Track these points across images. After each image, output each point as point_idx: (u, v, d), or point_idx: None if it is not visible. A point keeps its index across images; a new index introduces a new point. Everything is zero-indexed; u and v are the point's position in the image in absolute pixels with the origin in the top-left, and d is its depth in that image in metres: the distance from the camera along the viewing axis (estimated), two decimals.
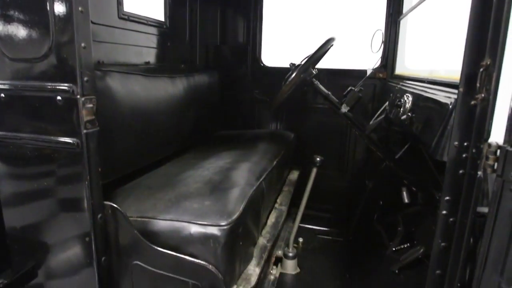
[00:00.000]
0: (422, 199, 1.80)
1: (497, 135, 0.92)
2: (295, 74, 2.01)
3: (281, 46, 3.41)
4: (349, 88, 2.03)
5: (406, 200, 1.90)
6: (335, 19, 3.18)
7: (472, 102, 0.94)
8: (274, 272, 2.16)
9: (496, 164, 0.87)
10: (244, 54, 3.11)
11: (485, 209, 0.94)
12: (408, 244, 1.80)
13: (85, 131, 1.18)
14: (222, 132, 2.94)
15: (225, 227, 1.28)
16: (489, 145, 0.88)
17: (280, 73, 2.39)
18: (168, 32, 2.68)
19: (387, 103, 1.91)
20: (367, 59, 2.62)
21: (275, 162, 2.05)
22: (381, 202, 2.26)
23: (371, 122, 1.97)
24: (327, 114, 2.68)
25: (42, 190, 1.30)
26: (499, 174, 0.85)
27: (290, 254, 2.16)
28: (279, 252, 2.26)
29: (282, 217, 2.02)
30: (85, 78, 1.16)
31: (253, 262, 1.58)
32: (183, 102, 2.37)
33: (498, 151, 0.86)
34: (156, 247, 1.30)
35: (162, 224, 1.35)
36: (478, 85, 0.93)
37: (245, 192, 1.55)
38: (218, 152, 2.19)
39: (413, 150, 1.71)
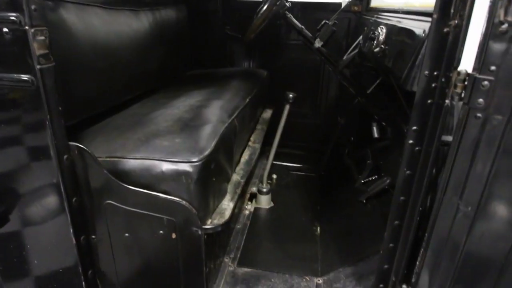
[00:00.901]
0: (391, 134, 1.85)
1: (467, 64, 0.92)
2: (267, 6, 1.91)
3: None
4: (323, 21, 1.95)
5: (376, 135, 1.94)
6: None
7: (445, 30, 0.92)
8: (249, 207, 2.24)
9: (463, 93, 0.88)
10: None
11: (449, 138, 0.97)
12: (376, 176, 1.88)
13: (38, 66, 1.08)
14: (193, 71, 2.83)
15: (197, 163, 1.28)
16: (459, 73, 0.88)
17: (252, 7, 2.25)
18: None
19: (361, 37, 1.87)
20: None
21: (247, 100, 2.02)
22: (352, 138, 2.31)
23: (344, 57, 1.94)
24: (301, 51, 2.61)
25: (2, 133, 1.23)
26: (466, 102, 0.86)
27: (264, 190, 2.22)
28: (254, 189, 2.32)
29: (256, 155, 2.04)
30: (33, 6, 1.04)
31: (227, 197, 1.61)
32: (149, 39, 2.23)
33: (467, 79, 0.87)
34: (127, 186, 1.29)
35: (133, 163, 1.33)
36: (452, 11, 0.90)
37: (216, 129, 1.52)
38: (189, 91, 2.12)
39: (384, 85, 1.71)
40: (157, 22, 2.35)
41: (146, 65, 2.19)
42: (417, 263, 1.09)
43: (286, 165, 2.72)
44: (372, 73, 2.00)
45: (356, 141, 2.28)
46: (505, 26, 0.77)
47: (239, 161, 1.96)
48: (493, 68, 0.80)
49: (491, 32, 0.79)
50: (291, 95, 2.00)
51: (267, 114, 2.65)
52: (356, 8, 2.49)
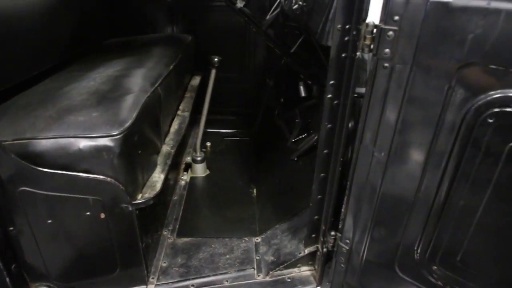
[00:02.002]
0: (317, 91, 1.90)
1: (375, 16, 0.94)
2: None
3: None
4: None
5: (303, 94, 1.99)
6: None
7: None
8: (185, 177, 2.20)
9: (372, 44, 0.91)
10: None
11: (363, 90, 1.01)
12: (306, 134, 1.94)
13: None
14: (112, 40, 2.61)
15: (118, 137, 1.20)
16: (367, 25, 0.90)
17: None
18: None
19: None
20: None
21: (171, 67, 1.92)
22: (282, 99, 2.34)
23: (267, 17, 1.91)
24: (226, 13, 2.51)
25: None
26: (375, 53, 0.90)
27: (198, 158, 2.19)
28: (188, 158, 2.28)
29: (185, 123, 1.98)
30: None
31: (158, 169, 1.56)
32: (54, 4, 1.98)
33: (374, 30, 0.89)
34: (42, 169, 1.18)
35: (45, 143, 1.21)
36: None
37: (138, 99, 1.44)
38: (107, 61, 1.95)
39: (307, 43, 1.72)
40: None
41: (54, 34, 1.96)
42: (342, 210, 1.16)
43: (219, 132, 2.70)
44: (295, 32, 2.01)
45: (286, 101, 2.32)
46: None
47: (168, 131, 1.89)
48: (396, 18, 0.83)
49: None
50: (216, 59, 1.94)
51: (196, 81, 2.57)
52: None
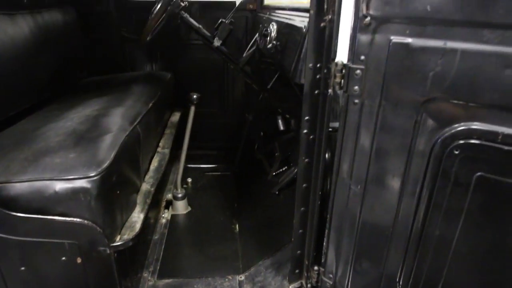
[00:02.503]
0: (295, 125, 1.95)
1: (343, 55, 1.00)
2: (160, 6, 1.84)
3: None
4: (220, 20, 1.96)
5: (282, 127, 2.03)
6: None
7: (322, 24, 0.99)
8: (166, 215, 2.16)
9: (342, 81, 0.95)
10: None
11: (337, 124, 1.05)
12: (286, 167, 1.96)
13: None
14: (91, 78, 2.62)
15: (95, 178, 1.18)
16: (336, 64, 0.95)
17: (148, 7, 2.16)
18: None
19: (257, 34, 1.92)
20: None
21: (151, 104, 1.94)
22: (261, 133, 2.38)
23: (244, 55, 1.98)
24: (204, 50, 2.59)
25: None
26: (345, 90, 0.94)
27: (179, 195, 2.17)
28: (169, 195, 2.25)
29: (165, 160, 1.97)
30: None
31: (137, 209, 1.53)
32: (32, 46, 1.99)
33: (343, 69, 0.94)
34: (15, 214, 1.15)
35: (20, 187, 1.18)
36: (325, 6, 0.97)
37: (117, 138, 1.43)
38: (85, 100, 1.95)
39: (283, 79, 1.79)
40: (39, 26, 2.12)
41: (32, 75, 1.97)
42: (324, 243, 1.16)
43: (200, 167, 2.69)
44: (272, 68, 2.08)
45: (265, 135, 2.35)
46: (368, 19, 0.85)
47: (148, 169, 1.87)
48: (362, 57, 0.88)
49: (358, 25, 0.87)
50: (195, 96, 1.98)
51: (176, 117, 2.58)
52: (251, 6, 2.55)
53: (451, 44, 0.78)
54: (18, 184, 1.18)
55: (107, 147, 1.35)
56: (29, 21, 2.07)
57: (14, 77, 1.79)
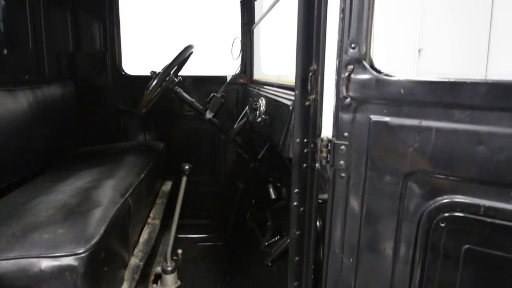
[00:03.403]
0: (286, 194, 1.96)
1: (328, 130, 1.06)
2: (156, 82, 1.96)
3: (144, 53, 3.30)
4: (212, 94, 2.08)
5: (273, 196, 2.04)
6: (197, 27, 3.24)
7: (307, 103, 1.06)
8: None
9: (328, 156, 1.00)
10: (103, 62, 2.88)
11: (326, 196, 1.07)
12: (278, 237, 1.94)
13: None
14: (84, 149, 2.67)
15: (83, 255, 1.16)
16: (322, 140, 1.00)
17: (144, 81, 2.29)
18: (3, 38, 2.30)
19: (247, 107, 2.02)
20: (232, 64, 2.75)
21: (143, 175, 1.96)
22: (253, 201, 2.38)
23: (235, 126, 2.06)
24: (196, 121, 2.69)
25: None
26: (331, 164, 0.98)
27: (169, 269, 2.08)
28: (158, 269, 2.16)
29: (156, 232, 1.94)
30: None
31: (125, 285, 1.47)
32: (30, 119, 2.07)
33: (329, 144, 0.99)
34: None
35: (5, 265, 1.14)
36: (309, 87, 1.05)
37: (107, 212, 1.42)
38: (78, 171, 1.97)
39: (273, 148, 1.84)
40: (38, 101, 2.21)
41: (27, 147, 2.00)
42: None
43: (191, 237, 2.63)
44: (262, 137, 2.15)
45: (257, 203, 2.35)
46: (348, 100, 0.92)
47: (137, 241, 1.83)
48: (346, 134, 0.94)
49: (340, 105, 0.94)
50: (187, 167, 2.01)
51: (167, 186, 2.59)
52: (241, 80, 2.72)
53: (426, 123, 0.84)
54: (3, 262, 1.14)
55: (97, 222, 1.34)
56: (29, 96, 2.16)
57: (8, 150, 1.82)
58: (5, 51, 2.36)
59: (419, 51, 4.33)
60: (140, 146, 2.60)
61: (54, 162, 2.22)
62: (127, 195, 1.65)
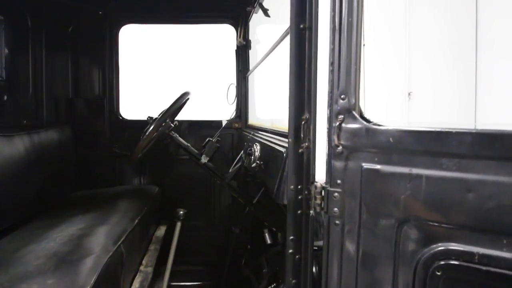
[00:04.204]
0: (282, 238, 1.94)
1: (322, 176, 1.07)
2: (152, 128, 2.00)
3: (141, 98, 3.37)
4: (207, 139, 2.11)
5: (269, 241, 2.01)
6: (194, 73, 3.35)
7: (300, 150, 1.09)
8: None
9: (322, 203, 1.01)
10: (101, 107, 2.94)
11: (321, 243, 1.07)
12: (275, 284, 1.88)
13: None
14: (78, 193, 2.65)
15: None
16: (316, 187, 1.02)
17: (140, 126, 2.34)
18: (4, 85, 2.37)
19: (242, 151, 2.05)
20: (228, 109, 2.82)
21: (136, 221, 1.93)
22: (248, 246, 2.33)
23: (230, 170, 2.07)
24: (191, 165, 2.71)
25: None
26: (326, 211, 0.99)
27: None
28: None
29: (148, 280, 1.88)
30: None
31: None
32: (25, 165, 2.07)
33: (323, 191, 1.01)
34: None
35: None
36: (302, 135, 1.08)
37: (99, 260, 1.39)
38: (70, 217, 1.95)
39: (268, 193, 1.85)
40: (35, 146, 2.23)
41: (20, 193, 1.99)
42: None
43: (185, 285, 2.54)
44: (257, 181, 2.16)
45: (252, 249, 2.30)
46: (340, 148, 0.95)
47: None
48: (339, 181, 0.96)
49: (332, 152, 0.97)
50: (181, 212, 2.00)
51: (161, 231, 2.54)
52: (236, 125, 2.78)
53: (416, 171, 0.86)
54: None
55: (88, 271, 1.30)
56: (26, 141, 2.18)
57: (3, 196, 1.81)
58: (5, 97, 2.41)
59: (409, 94, 4.47)
60: (135, 190, 2.59)
61: (47, 207, 2.19)
62: (119, 242, 1.62)
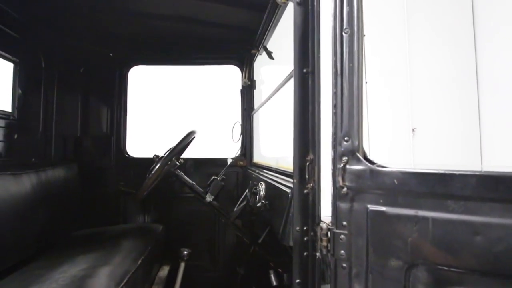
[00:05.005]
0: (288, 280, 1.88)
1: (328, 218, 1.07)
2: (159, 166, 2.02)
3: (148, 135, 3.42)
4: (213, 177, 2.12)
5: (274, 283, 1.95)
6: (201, 111, 3.42)
7: (305, 191, 1.09)
8: None
9: (329, 245, 1.00)
10: (108, 145, 2.98)
11: (328, 286, 1.04)
12: None
13: None
14: (82, 231, 2.62)
15: None
16: (321, 228, 1.01)
17: (146, 163, 2.36)
18: (16, 124, 2.43)
19: (247, 189, 2.05)
20: (232, 147, 2.85)
21: (140, 261, 1.90)
22: (253, 287, 2.27)
23: (235, 209, 2.06)
24: (196, 203, 2.69)
25: None
26: (332, 254, 0.97)
27: None
28: None
29: None
30: None
31: None
32: (30, 203, 2.08)
33: (329, 232, 1.00)
34: None
35: None
36: (307, 176, 1.09)
37: None
38: (73, 256, 1.92)
39: (274, 233, 1.82)
40: (41, 184, 2.25)
41: (24, 231, 1.98)
42: None
43: None
44: (262, 220, 2.14)
45: None
46: (345, 189, 0.96)
47: None
48: (345, 223, 0.95)
49: (337, 194, 0.97)
50: (185, 252, 1.97)
51: (164, 271, 2.48)
52: (241, 163, 2.79)
53: (422, 213, 0.86)
54: None
55: None
56: (33, 179, 2.21)
57: (5, 236, 1.80)
58: (16, 136, 2.47)
59: (413, 130, 4.49)
60: (138, 229, 2.57)
61: (51, 245, 2.17)
62: (122, 284, 1.59)
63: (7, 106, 2.38)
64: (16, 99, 2.45)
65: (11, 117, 2.32)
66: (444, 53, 4.44)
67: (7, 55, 2.30)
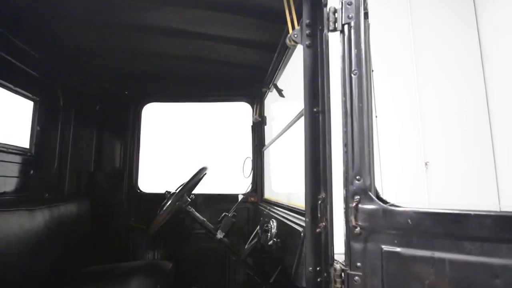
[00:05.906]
0: None
1: (341, 257, 1.05)
2: (170, 203, 2.02)
3: (159, 171, 3.45)
4: (223, 214, 2.11)
5: None
6: (212, 146, 3.46)
7: (317, 230, 1.08)
8: None
9: (343, 287, 0.97)
10: (120, 180, 3.01)
11: None
12: None
13: None
14: (91, 268, 2.59)
15: None
16: (335, 269, 0.99)
17: (157, 199, 2.36)
18: (32, 160, 2.49)
19: (258, 227, 2.03)
20: (243, 183, 2.85)
21: None
22: None
23: (246, 247, 2.03)
24: (206, 240, 2.66)
25: None
26: None
27: None
28: None
29: None
30: None
31: None
32: (42, 239, 2.08)
33: (343, 274, 0.98)
34: None
35: None
36: (319, 214, 1.09)
37: None
38: None
39: (286, 272, 1.78)
40: (54, 219, 2.27)
41: (34, 268, 1.97)
42: None
43: None
44: (274, 258, 2.09)
45: None
46: (358, 229, 0.95)
47: None
48: (359, 264, 0.93)
49: (350, 234, 0.96)
50: None
51: None
52: (252, 199, 2.78)
53: (438, 254, 0.84)
54: None
55: None
56: (46, 214, 2.23)
57: (17, 272, 1.80)
58: (32, 172, 2.52)
59: (426, 164, 4.44)
60: (148, 266, 2.53)
61: (62, 282, 2.15)
62: None
63: (25, 143, 2.45)
64: (34, 136, 2.53)
65: (28, 154, 2.39)
66: (453, 84, 4.49)
67: (28, 94, 2.40)
